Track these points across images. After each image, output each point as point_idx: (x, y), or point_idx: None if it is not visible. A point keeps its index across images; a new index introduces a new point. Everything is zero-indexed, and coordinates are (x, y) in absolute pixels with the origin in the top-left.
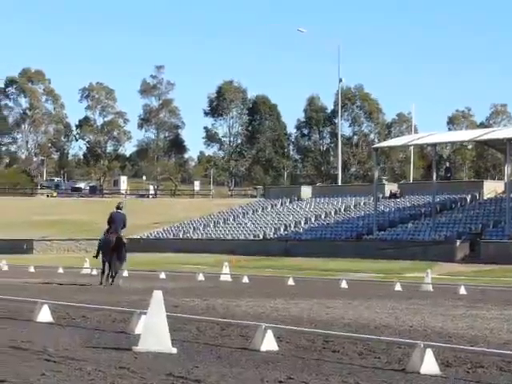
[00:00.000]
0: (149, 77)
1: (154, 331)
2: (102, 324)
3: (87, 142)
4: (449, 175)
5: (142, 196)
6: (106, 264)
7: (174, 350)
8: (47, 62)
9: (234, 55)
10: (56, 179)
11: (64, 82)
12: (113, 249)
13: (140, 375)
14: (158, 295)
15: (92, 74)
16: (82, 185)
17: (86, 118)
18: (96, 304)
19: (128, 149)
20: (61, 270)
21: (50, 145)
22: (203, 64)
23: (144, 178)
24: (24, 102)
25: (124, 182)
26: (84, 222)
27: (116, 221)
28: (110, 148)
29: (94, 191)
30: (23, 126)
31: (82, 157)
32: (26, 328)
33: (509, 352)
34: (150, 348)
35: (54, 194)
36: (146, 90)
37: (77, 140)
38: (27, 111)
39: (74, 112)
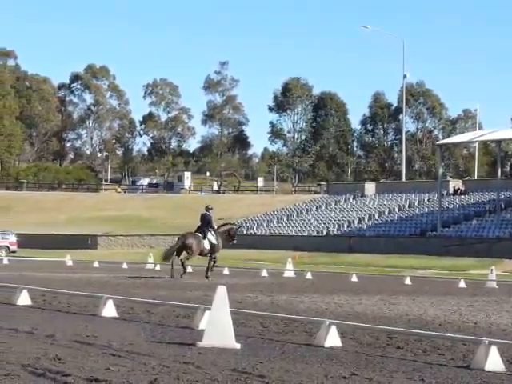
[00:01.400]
0: (213, 73)
1: (218, 327)
2: (166, 319)
3: (151, 137)
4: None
5: (208, 191)
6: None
7: (238, 346)
8: (112, 59)
9: (298, 53)
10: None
11: (128, 79)
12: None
13: (204, 370)
14: (222, 291)
15: (156, 70)
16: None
17: (150, 114)
18: (160, 299)
19: (192, 145)
20: (125, 265)
21: (114, 141)
22: (266, 61)
23: (208, 173)
24: (89, 97)
25: (188, 178)
26: (148, 218)
27: (202, 221)
28: (173, 144)
29: (171, 187)
30: (88, 122)
31: (146, 153)
32: (91, 323)
33: None
34: (214, 343)
35: (119, 190)
36: (210, 86)
37: (141, 136)
38: (92, 107)
39: (138, 108)
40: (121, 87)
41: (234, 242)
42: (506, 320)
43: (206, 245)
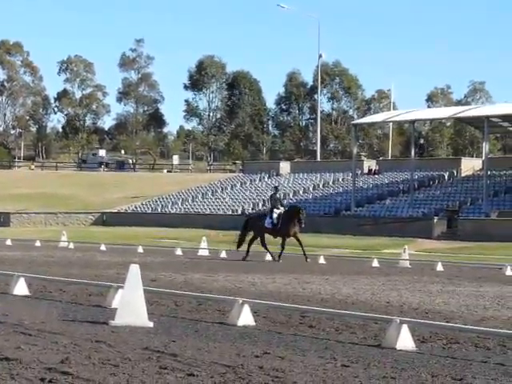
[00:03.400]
0: (128, 50)
1: (130, 305)
2: (79, 298)
3: (66, 115)
4: (421, 152)
5: (121, 169)
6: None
7: (151, 324)
8: (26, 35)
9: (213, 30)
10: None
11: (43, 55)
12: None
13: (116, 349)
14: (134, 269)
15: (71, 46)
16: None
17: (65, 91)
18: (73, 278)
19: (107, 122)
20: (38, 243)
21: (27, 117)
22: (183, 39)
23: (123, 151)
24: (1, 73)
25: (103, 156)
26: (63, 196)
27: (271, 201)
28: (88, 121)
29: (121, 166)
30: (0, 98)
31: (60, 130)
32: (1, 301)
33: (484, 328)
34: (126, 322)
35: (32, 167)
36: (126, 63)
37: (55, 113)
38: (5, 83)
39: (53, 85)
40: (35, 63)
41: (302, 225)
42: (417, 299)
43: (268, 224)
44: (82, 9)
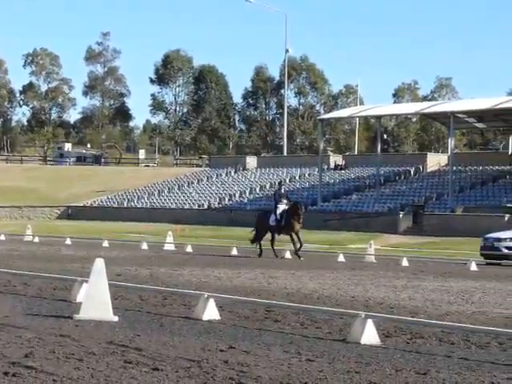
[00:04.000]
0: (94, 43)
1: (95, 299)
2: (44, 292)
3: (31, 108)
4: (386, 147)
5: (86, 163)
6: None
7: (116, 319)
8: None
9: (181, 24)
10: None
11: (8, 48)
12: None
13: (81, 343)
14: (99, 263)
15: (37, 39)
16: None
17: (31, 84)
18: (38, 272)
19: (73, 116)
20: (2, 237)
21: None
22: (150, 32)
23: (88, 145)
24: None
25: (68, 149)
26: (28, 190)
27: (275, 197)
28: (54, 115)
29: (98, 160)
30: None
31: (25, 123)
32: None
33: (448, 323)
34: (91, 316)
35: None
36: (92, 56)
37: (21, 106)
38: None
39: (18, 78)
40: (0, 56)
41: (300, 221)
42: (383, 294)
43: (272, 222)
44: (48, 1)
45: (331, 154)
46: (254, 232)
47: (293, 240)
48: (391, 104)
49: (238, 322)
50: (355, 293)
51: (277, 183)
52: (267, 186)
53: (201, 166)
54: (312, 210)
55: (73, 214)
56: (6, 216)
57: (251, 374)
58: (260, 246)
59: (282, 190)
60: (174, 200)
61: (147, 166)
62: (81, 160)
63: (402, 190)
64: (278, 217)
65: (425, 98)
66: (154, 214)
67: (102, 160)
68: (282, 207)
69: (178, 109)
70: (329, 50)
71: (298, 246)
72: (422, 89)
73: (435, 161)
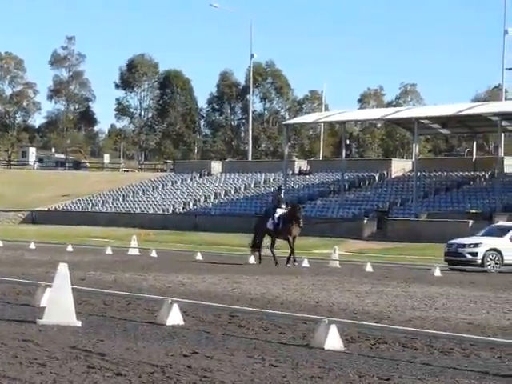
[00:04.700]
0: (59, 48)
1: (59, 304)
2: (7, 296)
3: None
4: (348, 152)
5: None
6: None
7: (79, 324)
8: None
9: (146, 29)
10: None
11: None
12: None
13: (44, 348)
14: (63, 268)
15: (1, 43)
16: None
17: None
18: (1, 276)
19: (37, 120)
20: None
21: None
22: (115, 36)
23: (53, 149)
24: None
25: (33, 154)
26: None
27: (273, 202)
28: (18, 119)
29: (77, 166)
30: None
31: None
32: None
33: (412, 329)
34: (54, 321)
35: None
36: (57, 61)
37: None
38: None
39: None
40: None
41: (300, 225)
42: (346, 299)
43: (270, 225)
44: (12, 5)
45: (296, 159)
46: (252, 237)
47: (290, 244)
48: (356, 110)
49: (201, 327)
50: (319, 298)
51: (276, 187)
52: (232, 191)
53: (165, 171)
54: None
55: (37, 218)
56: None
57: (214, 379)
58: (259, 252)
59: (282, 195)
60: (138, 205)
61: (126, 170)
62: (62, 165)
63: (367, 196)
64: (276, 220)
65: (390, 104)
66: (119, 218)
67: (87, 165)
68: (281, 211)
69: (142, 113)
70: (294, 55)
71: (291, 253)
72: (387, 95)
73: (400, 166)
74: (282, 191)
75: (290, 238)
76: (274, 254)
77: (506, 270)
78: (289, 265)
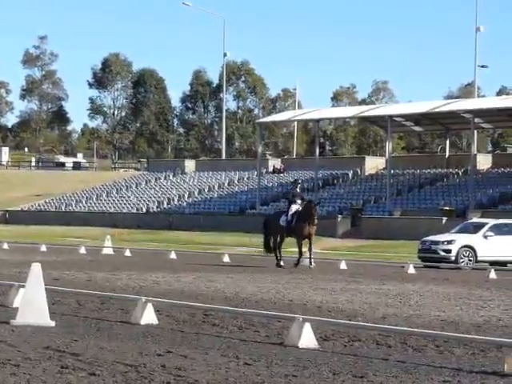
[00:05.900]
0: (32, 47)
1: (32, 304)
2: None
3: None
4: (321, 150)
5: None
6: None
7: (53, 324)
8: None
9: (119, 28)
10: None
11: None
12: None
13: (17, 349)
14: (36, 268)
15: None
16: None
17: None
18: None
19: (10, 120)
20: None
21: None
22: (88, 36)
23: (26, 149)
24: None
25: (6, 154)
26: None
27: (289, 197)
28: None
29: (77, 167)
30: None
31: None
32: None
33: (386, 326)
34: (28, 321)
35: None
36: (29, 60)
37: None
38: None
39: None
40: None
41: (315, 223)
42: (321, 297)
43: (283, 222)
44: None
45: (270, 157)
46: (263, 239)
47: (300, 246)
48: (330, 107)
49: (175, 326)
50: (293, 296)
51: (292, 181)
52: (206, 190)
53: (139, 170)
54: (251, 214)
55: (10, 218)
56: None
57: (188, 378)
58: (276, 253)
59: (298, 189)
60: (112, 204)
61: (126, 170)
62: (62, 166)
63: (341, 194)
64: (289, 217)
65: (363, 102)
66: (93, 217)
67: (87, 165)
68: (296, 207)
69: (116, 112)
70: (267, 54)
71: (309, 254)
72: (360, 92)
73: (373, 164)
74: (298, 185)
75: (301, 239)
76: (280, 254)
77: (480, 266)
78: (312, 265)
